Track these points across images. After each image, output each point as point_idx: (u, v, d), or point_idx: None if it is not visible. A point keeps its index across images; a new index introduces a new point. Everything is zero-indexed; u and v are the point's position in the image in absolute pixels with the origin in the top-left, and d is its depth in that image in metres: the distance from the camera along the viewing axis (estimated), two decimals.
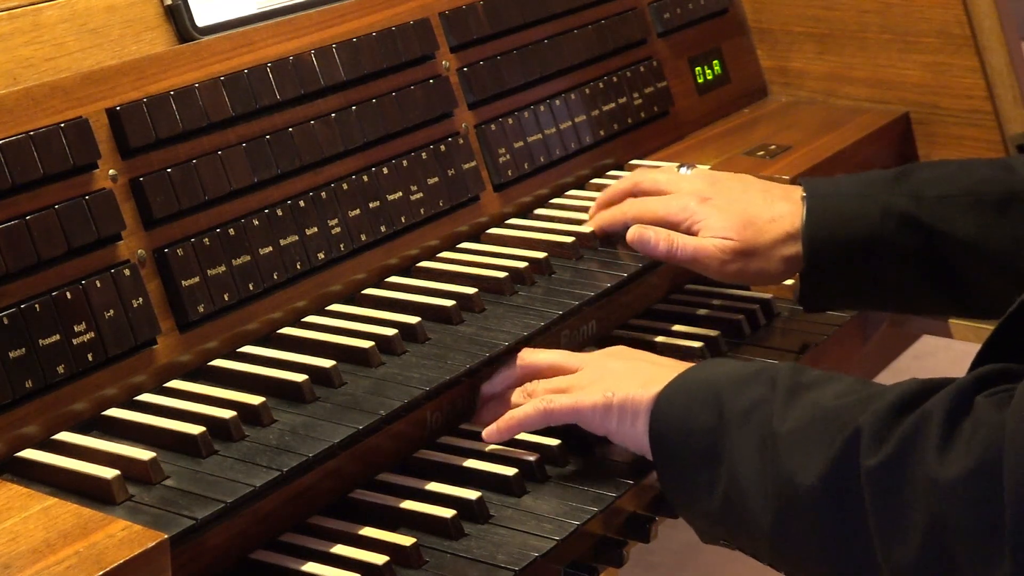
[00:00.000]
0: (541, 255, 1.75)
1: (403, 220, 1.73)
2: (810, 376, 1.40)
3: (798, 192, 1.74)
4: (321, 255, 1.63)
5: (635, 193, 1.83)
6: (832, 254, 1.70)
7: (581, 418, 1.50)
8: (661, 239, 1.73)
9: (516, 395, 1.57)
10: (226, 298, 1.54)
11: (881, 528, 1.25)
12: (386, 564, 1.35)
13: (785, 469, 1.32)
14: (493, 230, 1.85)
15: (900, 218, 1.69)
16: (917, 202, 1.69)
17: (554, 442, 1.54)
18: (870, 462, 1.25)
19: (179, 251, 1.51)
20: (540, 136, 1.93)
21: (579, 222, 1.85)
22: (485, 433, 1.53)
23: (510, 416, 1.52)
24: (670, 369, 1.49)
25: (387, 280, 1.71)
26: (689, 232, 1.74)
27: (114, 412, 1.43)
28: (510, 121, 1.90)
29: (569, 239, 1.79)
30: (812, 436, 1.31)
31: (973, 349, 1.40)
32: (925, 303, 1.77)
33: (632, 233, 1.75)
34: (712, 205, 1.74)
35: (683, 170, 1.87)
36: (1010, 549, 1.16)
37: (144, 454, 1.34)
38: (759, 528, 1.35)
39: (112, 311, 1.44)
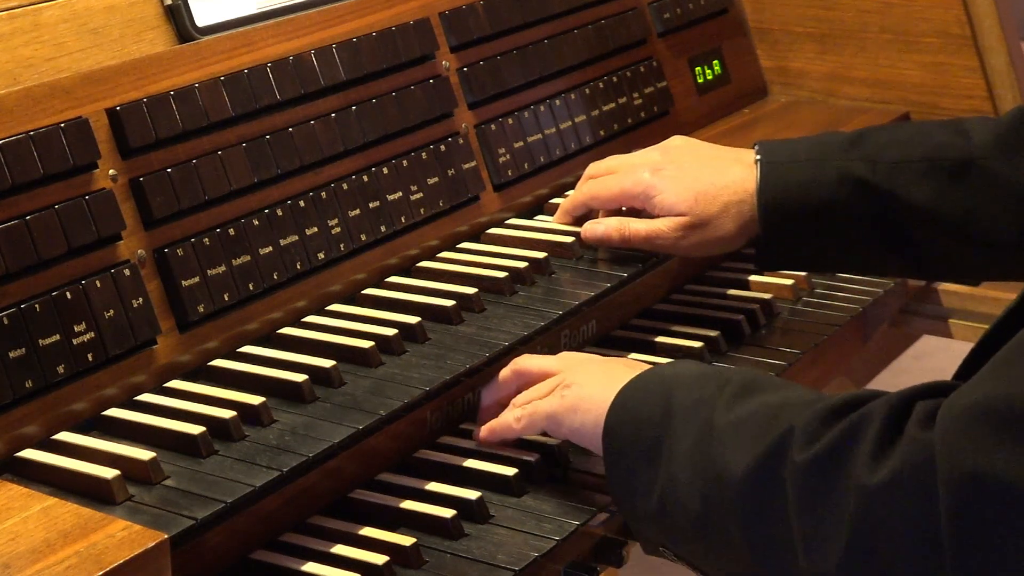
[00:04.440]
0: (541, 255, 1.75)
1: (403, 220, 1.73)
2: (765, 381, 1.38)
3: (751, 155, 1.74)
4: (321, 255, 1.63)
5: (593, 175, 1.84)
6: (787, 219, 1.70)
7: (556, 421, 1.49)
8: (612, 229, 1.75)
9: (510, 416, 1.55)
10: (226, 298, 1.54)
11: (804, 527, 1.22)
12: (386, 564, 1.35)
13: (716, 461, 1.30)
14: (493, 230, 1.85)
15: (855, 183, 1.69)
16: (872, 167, 1.69)
17: (555, 441, 1.54)
18: (799, 457, 1.23)
19: (179, 251, 1.51)
20: (540, 136, 1.93)
21: (580, 221, 1.85)
22: (476, 434, 1.55)
23: (497, 421, 1.54)
24: (639, 369, 1.48)
25: (387, 280, 1.71)
26: (646, 203, 1.74)
27: (114, 412, 1.43)
28: (510, 121, 1.90)
29: (569, 239, 1.79)
30: (748, 430, 1.29)
31: None
32: (880, 266, 1.78)
33: (585, 231, 1.77)
34: (665, 175, 1.74)
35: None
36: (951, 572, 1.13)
37: (144, 454, 1.34)
38: (686, 520, 1.32)
39: (112, 311, 1.44)
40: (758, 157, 1.73)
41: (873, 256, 1.74)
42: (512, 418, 1.53)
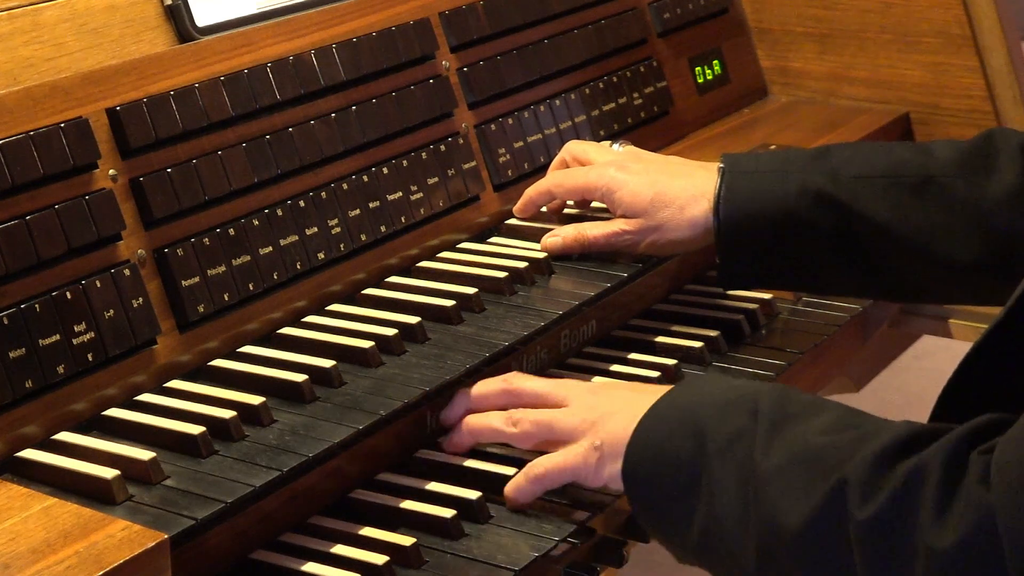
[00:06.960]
0: (541, 255, 1.75)
1: (403, 220, 1.73)
2: (796, 404, 1.35)
3: (716, 165, 1.74)
4: (321, 255, 1.63)
5: (566, 159, 1.84)
6: (745, 227, 1.69)
7: (575, 476, 1.44)
8: (571, 239, 1.75)
9: (499, 419, 1.50)
10: (226, 298, 1.54)
11: None
12: (386, 564, 1.35)
13: (768, 509, 1.27)
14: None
15: (816, 196, 1.68)
16: (834, 181, 1.68)
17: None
18: (861, 515, 1.21)
19: (179, 251, 1.51)
20: (540, 136, 1.93)
21: (581, 220, 1.85)
22: (448, 442, 1.51)
23: (525, 476, 1.46)
24: (653, 396, 1.42)
25: (387, 280, 1.71)
26: (606, 198, 1.75)
27: (114, 412, 1.43)
28: (510, 121, 1.90)
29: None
30: (797, 476, 1.27)
31: None
32: (839, 283, 1.76)
33: (544, 244, 1.77)
34: (629, 172, 1.74)
35: (615, 147, 1.88)
36: None
37: (144, 454, 1.34)
38: (742, 567, 1.30)
39: (112, 311, 1.44)
40: (721, 166, 1.72)
41: (831, 272, 1.71)
42: (523, 476, 1.45)
